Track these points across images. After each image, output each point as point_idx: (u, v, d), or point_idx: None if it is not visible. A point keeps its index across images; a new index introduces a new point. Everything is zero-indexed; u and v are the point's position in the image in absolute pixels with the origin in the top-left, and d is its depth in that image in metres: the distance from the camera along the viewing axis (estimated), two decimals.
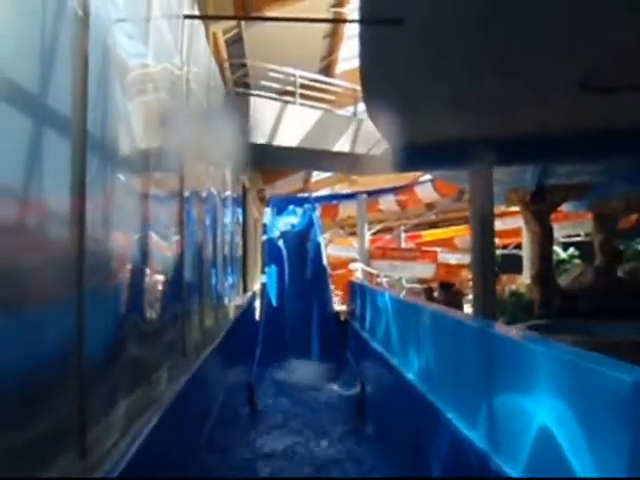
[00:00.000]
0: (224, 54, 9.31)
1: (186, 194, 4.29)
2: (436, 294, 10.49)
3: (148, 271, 3.13)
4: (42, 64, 1.83)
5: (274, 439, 5.14)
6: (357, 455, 4.67)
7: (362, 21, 3.75)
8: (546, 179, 8.31)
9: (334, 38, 12.39)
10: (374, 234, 15.97)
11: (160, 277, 3.44)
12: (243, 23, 8.88)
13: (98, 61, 2.27)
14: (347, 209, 15.52)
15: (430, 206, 16.05)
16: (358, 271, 13.91)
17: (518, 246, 14.63)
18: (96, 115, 2.25)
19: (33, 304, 1.75)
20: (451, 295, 9.88)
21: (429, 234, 19.51)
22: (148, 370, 3.05)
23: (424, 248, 16.77)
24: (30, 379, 1.69)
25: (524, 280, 11.42)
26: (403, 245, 16.75)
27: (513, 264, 12.52)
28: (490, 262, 7.03)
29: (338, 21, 8.27)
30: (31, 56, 1.74)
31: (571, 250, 12.00)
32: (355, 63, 12.42)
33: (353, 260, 15.70)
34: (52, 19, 1.91)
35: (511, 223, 14.25)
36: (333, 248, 16.11)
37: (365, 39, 4.38)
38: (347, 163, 10.42)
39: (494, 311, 7.02)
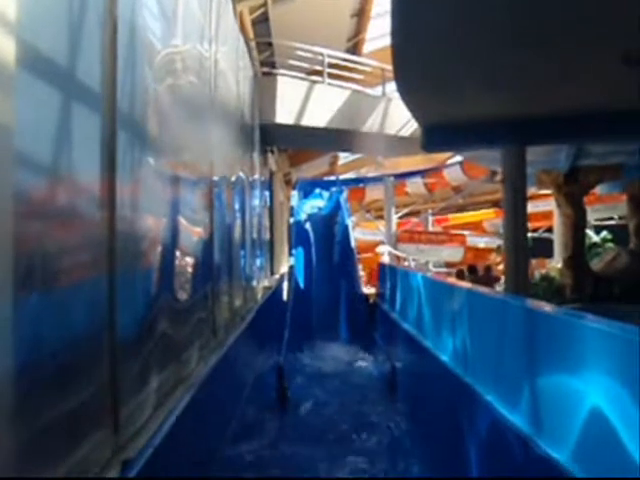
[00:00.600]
0: (250, 33, 9.22)
1: (215, 177, 4.26)
2: (467, 277, 10.36)
3: (179, 252, 3.12)
4: (71, 40, 1.79)
5: (304, 429, 5.10)
6: (392, 445, 4.58)
7: None
8: (580, 160, 8.08)
9: (361, 17, 12.19)
10: (401, 217, 15.81)
11: (190, 258, 3.42)
12: (270, 2, 8.77)
13: (127, 38, 2.22)
14: (374, 192, 15.39)
15: (458, 189, 15.80)
16: (384, 254, 13.81)
17: (549, 230, 14.35)
18: (125, 95, 2.20)
19: (67, 283, 1.73)
20: (483, 278, 9.73)
21: (457, 217, 19.29)
22: (179, 348, 3.04)
23: (452, 231, 16.57)
24: (66, 356, 1.67)
25: (555, 264, 11.20)
26: (430, 229, 16.57)
27: (544, 248, 12.32)
28: (523, 244, 6.89)
29: None
30: (60, 32, 1.70)
31: (604, 233, 11.72)
32: (382, 42, 12.27)
33: (379, 243, 15.60)
34: None
35: (542, 206, 13.95)
36: (360, 232, 16.02)
37: (397, 14, 4.25)
38: (376, 144, 10.27)
39: (527, 294, 6.89)
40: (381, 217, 15.69)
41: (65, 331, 1.69)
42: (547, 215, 14.03)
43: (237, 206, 5.62)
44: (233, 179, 5.37)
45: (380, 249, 14.97)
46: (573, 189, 8.49)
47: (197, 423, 2.86)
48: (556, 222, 11.89)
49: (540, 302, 2.69)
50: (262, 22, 9.99)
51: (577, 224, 8.51)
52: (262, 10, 9.45)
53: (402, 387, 5.50)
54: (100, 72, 1.96)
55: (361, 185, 15.65)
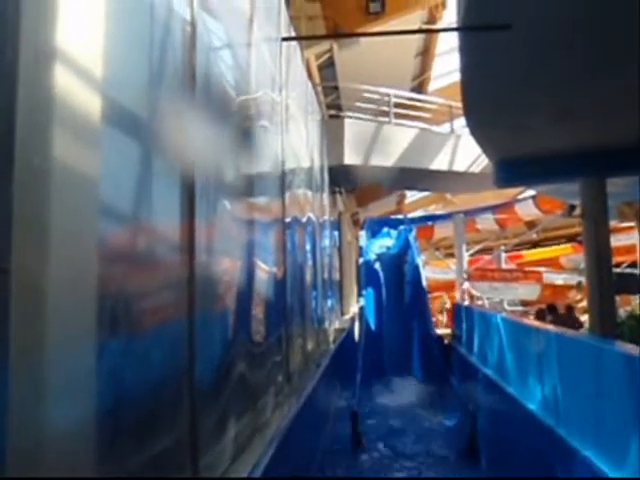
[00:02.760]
0: (317, 78, 9.42)
1: (287, 219, 4.28)
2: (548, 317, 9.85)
3: (253, 294, 3.10)
4: (152, 92, 1.84)
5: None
6: None
7: (467, 28, 3.58)
8: None
9: (426, 56, 12.23)
10: (472, 255, 15.40)
11: (264, 300, 3.41)
12: (335, 48, 8.97)
13: (204, 85, 2.28)
14: (443, 230, 15.09)
15: (531, 224, 15.27)
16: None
17: (632, 264, 13.59)
18: (202, 141, 2.24)
19: (149, 328, 1.73)
20: (566, 317, 9.22)
21: (531, 253, 18.61)
22: (255, 395, 2.99)
23: (527, 268, 15.96)
24: (145, 401, 1.65)
25: None
26: (504, 266, 16.02)
27: (628, 283, 11.64)
28: (607, 281, 6.52)
29: (438, 30, 8.10)
30: (143, 84, 1.75)
31: None
32: (447, 80, 12.24)
33: (449, 283, 15.21)
34: (161, 48, 1.93)
35: (624, 239, 13.25)
36: (429, 270, 15.70)
37: (466, 49, 4.21)
38: (445, 181, 10.15)
39: (614, 335, 6.48)
40: (451, 255, 15.33)
41: (146, 377, 1.68)
42: (630, 249, 13.31)
43: (308, 247, 5.63)
44: (304, 220, 5.39)
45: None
46: None
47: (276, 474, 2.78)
48: None
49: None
50: (328, 67, 10.21)
51: None
52: (328, 55, 9.67)
53: (484, 437, 5.17)
54: (178, 127, 2.00)
55: (430, 223, 15.42)
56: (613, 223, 10.95)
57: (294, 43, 5.03)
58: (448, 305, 13.89)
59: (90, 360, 1.31)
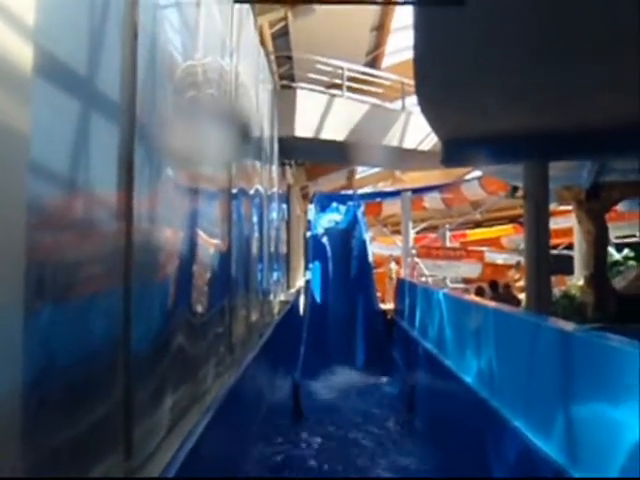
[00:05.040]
0: (270, 47, 9.23)
1: (234, 190, 4.20)
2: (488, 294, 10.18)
3: (196, 266, 3.04)
4: (91, 48, 1.74)
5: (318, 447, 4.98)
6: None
7: (421, 2, 3.56)
8: (602, 176, 7.94)
9: (381, 31, 12.16)
10: (418, 232, 15.66)
11: (207, 271, 3.35)
12: (290, 16, 8.78)
13: (147, 47, 2.17)
14: (390, 207, 15.28)
15: (476, 204, 15.64)
16: (393, 271, 13.71)
17: (568, 246, 14.13)
18: (144, 105, 2.15)
19: (82, 296, 1.66)
20: (504, 294, 9.54)
21: (474, 233, 19.09)
22: (195, 366, 2.95)
23: (470, 247, 16.38)
24: (78, 371, 1.59)
25: (575, 281, 11.00)
26: (448, 244, 16.39)
27: (563, 265, 12.13)
28: (545, 262, 6.76)
29: (394, 3, 8.03)
30: (81, 40, 1.65)
31: (626, 251, 11.51)
32: (402, 57, 12.20)
33: (395, 259, 15.47)
34: (102, 2, 1.83)
35: (562, 222, 13.74)
36: (376, 246, 15.89)
37: (420, 25, 4.19)
38: (395, 158, 10.20)
39: (548, 313, 6.73)
40: (398, 232, 15.56)
41: (78, 346, 1.62)
42: (567, 232, 13.82)
43: (255, 219, 5.56)
44: (252, 192, 5.31)
45: (392, 266, 14.86)
46: (595, 206, 8.35)
47: (214, 448, 2.76)
48: (576, 239, 11.70)
49: (576, 325, 2.56)
50: (282, 36, 10.02)
51: (599, 241, 8.36)
52: (282, 24, 9.48)
53: (422, 409, 5.34)
54: (119, 81, 1.91)
55: (378, 199, 15.55)
56: (552, 206, 11.34)
57: (247, 7, 4.88)
58: (394, 275, 14.11)
59: (16, 329, 1.25)
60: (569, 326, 2.46)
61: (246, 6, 4.78)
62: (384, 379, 7.48)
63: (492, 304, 4.06)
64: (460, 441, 3.59)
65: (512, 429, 2.47)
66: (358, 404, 6.37)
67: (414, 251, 13.13)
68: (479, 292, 10.30)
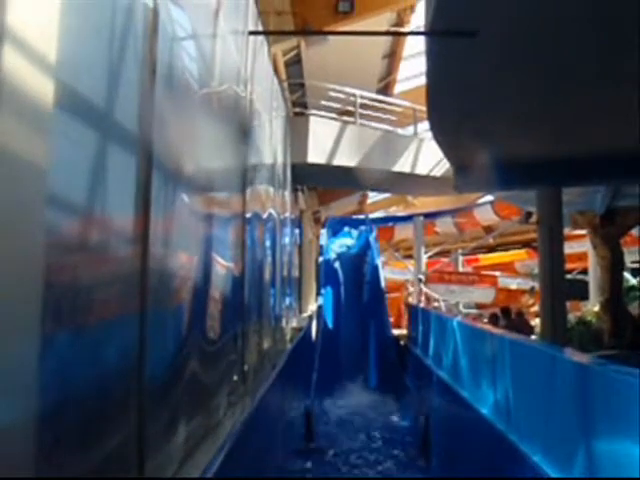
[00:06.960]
0: (283, 75, 9.36)
1: (248, 215, 4.22)
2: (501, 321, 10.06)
3: (210, 291, 3.04)
4: (110, 79, 1.77)
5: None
6: None
7: (434, 33, 3.60)
8: (616, 201, 7.90)
9: (393, 58, 12.30)
10: (431, 257, 15.61)
11: (221, 297, 3.34)
12: (303, 45, 8.92)
13: (165, 80, 2.21)
14: (403, 231, 15.27)
15: (488, 229, 15.60)
16: (412, 295, 13.59)
17: (583, 271, 14.01)
18: (161, 135, 2.17)
19: (98, 323, 1.66)
20: (517, 322, 9.42)
21: (487, 258, 19.00)
22: (208, 395, 2.93)
23: (483, 272, 16.28)
24: (90, 400, 1.58)
25: (591, 307, 10.87)
26: (460, 269, 16.31)
27: (578, 290, 12.01)
28: (559, 287, 6.69)
29: (405, 34, 8.12)
30: (100, 72, 1.68)
31: None
32: (414, 83, 12.29)
33: (412, 283, 15.38)
34: (121, 34, 1.86)
35: (576, 247, 13.65)
36: (388, 271, 15.83)
37: (433, 54, 4.23)
38: (407, 183, 10.22)
39: (564, 339, 6.65)
40: (410, 256, 15.52)
41: (92, 374, 1.61)
42: (581, 257, 13.72)
43: (268, 244, 5.57)
44: (265, 217, 5.33)
45: (410, 289, 14.75)
46: (610, 230, 8.29)
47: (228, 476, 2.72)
48: (591, 264, 11.60)
49: (591, 355, 2.51)
50: (295, 64, 10.16)
51: (614, 266, 8.28)
52: (295, 52, 9.62)
53: (437, 440, 5.21)
54: (136, 113, 1.94)
55: (390, 224, 15.55)
56: (566, 231, 11.26)
57: (261, 38, 4.96)
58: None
59: (32, 357, 1.25)
60: (584, 358, 2.41)
61: (261, 37, 4.86)
62: (397, 409, 7.36)
63: (507, 333, 4.01)
64: (475, 473, 3.51)
65: (530, 464, 2.41)
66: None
67: (422, 276, 13.06)
68: (493, 319, 10.20)
